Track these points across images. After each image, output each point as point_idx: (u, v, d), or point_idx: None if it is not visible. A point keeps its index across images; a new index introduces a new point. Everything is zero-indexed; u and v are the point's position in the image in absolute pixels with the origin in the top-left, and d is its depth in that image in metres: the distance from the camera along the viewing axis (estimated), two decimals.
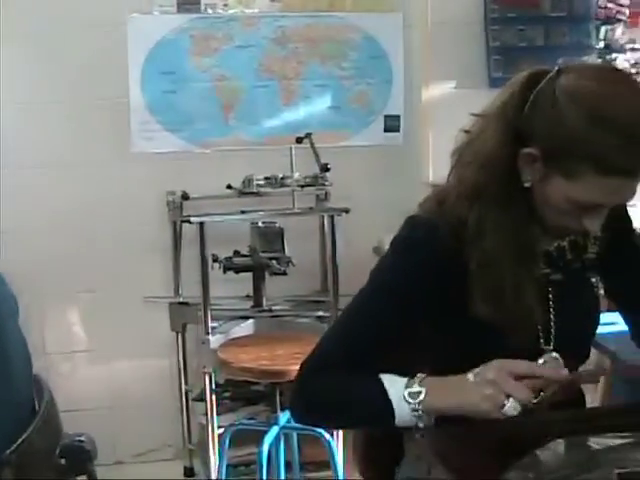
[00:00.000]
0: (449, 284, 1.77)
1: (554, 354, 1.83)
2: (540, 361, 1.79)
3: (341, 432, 3.60)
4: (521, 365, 1.68)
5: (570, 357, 1.82)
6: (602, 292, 1.96)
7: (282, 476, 3.64)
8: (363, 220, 4.13)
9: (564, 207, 1.71)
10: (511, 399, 1.63)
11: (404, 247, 1.82)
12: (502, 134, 1.73)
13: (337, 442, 3.60)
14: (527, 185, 1.74)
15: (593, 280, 1.95)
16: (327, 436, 3.45)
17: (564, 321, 1.89)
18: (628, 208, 1.97)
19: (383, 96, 4.45)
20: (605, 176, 1.63)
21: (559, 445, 1.72)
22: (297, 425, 3.40)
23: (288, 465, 3.72)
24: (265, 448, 3.38)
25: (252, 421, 3.87)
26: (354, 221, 3.96)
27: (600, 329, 2.01)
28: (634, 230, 2.03)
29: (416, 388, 1.69)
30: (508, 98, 1.75)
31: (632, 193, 1.71)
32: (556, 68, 1.71)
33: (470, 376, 1.69)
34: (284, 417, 3.51)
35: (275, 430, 3.48)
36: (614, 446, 1.72)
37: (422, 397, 1.68)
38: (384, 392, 1.70)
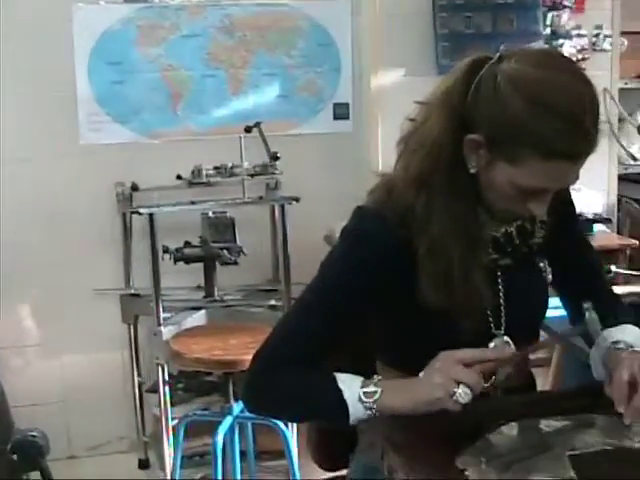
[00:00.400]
0: (399, 274, 1.78)
1: (505, 338, 1.86)
2: (491, 345, 1.81)
3: None
4: (467, 352, 1.71)
5: (520, 340, 1.84)
6: (550, 277, 1.97)
7: (237, 466, 3.64)
8: (314, 208, 4.13)
9: (509, 192, 1.73)
10: (461, 385, 1.65)
11: (353, 239, 1.83)
12: (446, 121, 1.74)
13: (292, 431, 3.60)
14: (473, 171, 1.75)
15: (541, 265, 1.96)
16: (282, 425, 3.46)
17: (514, 305, 1.90)
18: (571, 192, 1.99)
19: (332, 84, 4.45)
20: (548, 161, 1.65)
21: (511, 429, 1.74)
22: (251, 415, 3.40)
23: (243, 455, 3.72)
24: (220, 438, 3.37)
25: (206, 412, 3.87)
26: (305, 209, 3.95)
27: (549, 313, 2.04)
28: (576, 215, 2.06)
29: (372, 388, 1.71)
30: (452, 85, 1.76)
31: (575, 177, 1.73)
32: (498, 54, 1.72)
33: (421, 373, 1.72)
34: (238, 407, 3.50)
35: (229, 420, 3.48)
36: (565, 429, 1.74)
37: (377, 396, 1.70)
38: (339, 392, 1.72)
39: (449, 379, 1.66)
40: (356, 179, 4.03)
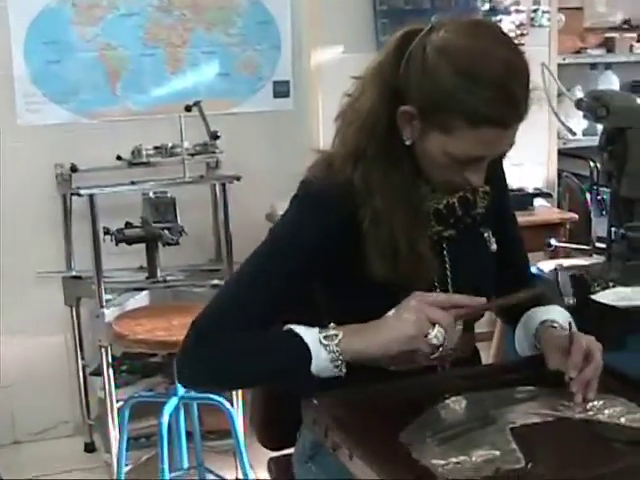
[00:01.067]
0: (346, 245, 1.78)
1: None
2: None
3: (241, 400, 3.61)
4: (440, 296, 1.73)
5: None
6: (494, 247, 1.98)
7: (183, 446, 3.64)
8: (255, 187, 4.12)
9: (444, 162, 1.74)
10: (436, 326, 1.64)
11: (303, 205, 1.82)
12: (380, 94, 1.75)
13: (237, 410, 3.60)
14: (408, 143, 1.76)
15: (486, 235, 1.98)
16: (227, 404, 3.45)
17: (460, 276, 1.91)
18: (504, 166, 2.01)
19: (271, 62, 4.43)
20: (478, 128, 1.67)
21: (456, 402, 1.75)
22: (196, 395, 3.42)
23: (189, 435, 3.71)
24: (165, 419, 3.36)
25: (151, 393, 3.86)
26: (246, 188, 3.94)
27: None
28: (507, 186, 2.08)
29: (331, 332, 1.69)
30: (384, 59, 1.77)
31: (509, 144, 1.76)
32: (429, 25, 1.73)
33: (390, 313, 1.70)
34: (183, 388, 3.49)
35: (174, 401, 3.46)
36: (507, 402, 1.76)
37: (338, 339, 1.68)
38: (298, 336, 1.69)
39: (424, 318, 1.65)
40: (297, 157, 3.96)
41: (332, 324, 1.71)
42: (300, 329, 1.70)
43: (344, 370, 1.69)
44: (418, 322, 1.65)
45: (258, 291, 1.77)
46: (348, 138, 1.80)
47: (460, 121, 1.67)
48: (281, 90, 4.45)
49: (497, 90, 1.64)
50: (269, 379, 1.82)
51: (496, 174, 1.93)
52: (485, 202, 1.93)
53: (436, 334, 1.64)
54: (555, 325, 1.91)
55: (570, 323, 1.87)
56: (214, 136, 3.94)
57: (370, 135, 1.76)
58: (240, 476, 3.61)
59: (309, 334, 1.69)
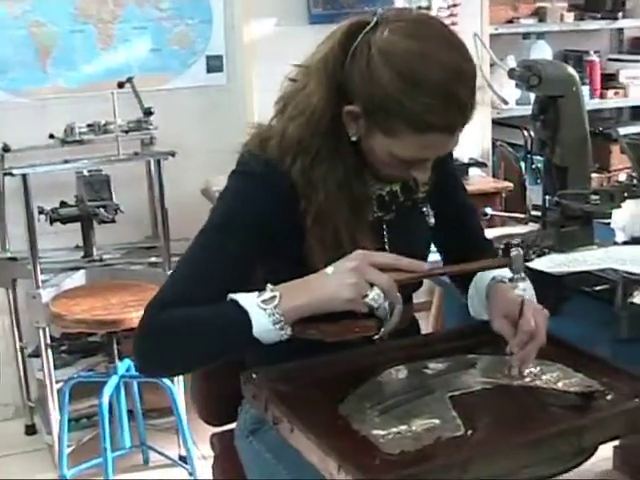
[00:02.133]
0: (289, 223, 1.77)
1: None
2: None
3: (181, 377, 3.60)
4: (384, 256, 1.70)
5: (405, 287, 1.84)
6: (432, 220, 1.99)
7: (125, 425, 3.63)
8: (190, 162, 4.10)
9: (389, 161, 1.74)
10: (375, 288, 1.63)
11: (244, 177, 1.81)
12: (325, 89, 1.74)
13: (178, 387, 3.60)
14: (354, 139, 1.76)
15: (424, 209, 1.98)
16: (168, 382, 3.45)
17: (398, 252, 1.90)
18: None
19: (204, 36, 4.39)
20: (422, 134, 1.67)
21: (395, 373, 1.77)
22: (136, 373, 3.40)
23: (131, 414, 3.70)
24: (105, 399, 3.35)
25: (91, 373, 3.83)
26: (181, 164, 3.92)
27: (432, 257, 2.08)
28: (451, 155, 2.08)
29: (269, 294, 1.66)
30: (329, 51, 1.75)
31: (454, 145, 1.76)
32: (375, 19, 1.71)
33: (329, 269, 1.68)
34: (123, 366, 3.49)
35: (115, 380, 3.46)
36: (447, 370, 1.77)
37: (277, 301, 1.65)
38: (235, 303, 1.66)
39: (363, 280, 1.63)
40: (232, 131, 3.95)
41: (269, 285, 1.68)
42: (237, 295, 1.67)
43: (289, 332, 1.66)
44: (356, 285, 1.63)
45: (211, 265, 1.75)
46: (289, 130, 1.78)
47: (404, 126, 1.66)
48: (214, 65, 4.42)
49: (442, 96, 1.64)
50: (217, 352, 1.75)
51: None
52: (427, 187, 1.94)
53: (374, 296, 1.63)
54: (505, 280, 1.89)
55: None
56: (147, 112, 3.93)
57: (314, 131, 1.75)
58: (183, 453, 3.62)
59: (247, 299, 1.66)
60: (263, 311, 1.65)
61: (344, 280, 1.64)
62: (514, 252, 1.77)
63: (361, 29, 1.71)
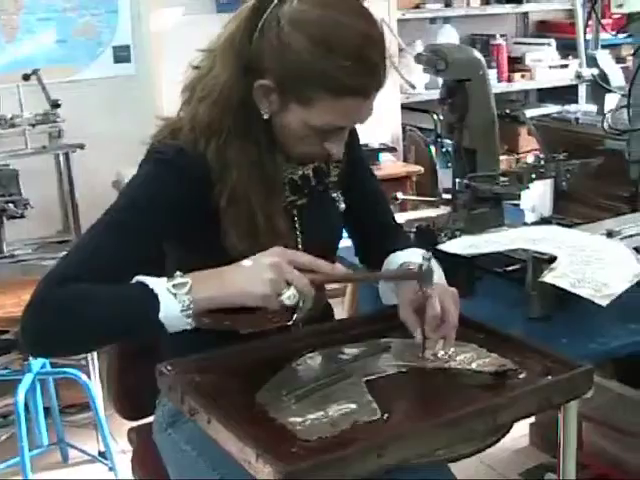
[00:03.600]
0: (202, 210, 1.75)
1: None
2: None
3: (98, 371, 3.56)
4: (304, 256, 1.68)
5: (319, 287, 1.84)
6: (343, 206, 2.00)
7: (42, 423, 3.58)
8: (99, 155, 4.06)
9: (305, 134, 1.74)
10: (291, 287, 1.62)
11: (154, 167, 1.77)
12: (233, 68, 1.72)
13: (95, 382, 3.56)
14: (266, 117, 1.75)
15: (335, 195, 1.99)
16: (84, 377, 3.42)
17: (309, 238, 1.92)
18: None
19: (110, 26, 4.36)
20: (338, 98, 1.68)
21: (310, 359, 1.77)
22: (52, 370, 3.37)
23: (47, 411, 3.65)
24: (21, 397, 3.30)
25: (5, 371, 3.77)
26: (90, 156, 3.89)
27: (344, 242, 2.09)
28: (358, 140, 2.09)
29: (179, 280, 1.62)
30: (235, 30, 1.74)
31: (368, 113, 1.76)
32: None
33: (246, 262, 1.65)
34: (37, 363, 3.43)
35: (30, 377, 3.40)
36: (362, 355, 1.78)
37: (188, 288, 1.61)
38: (143, 285, 1.62)
39: (281, 278, 1.62)
40: (141, 122, 3.89)
41: (179, 272, 1.64)
42: (146, 278, 1.63)
43: (194, 323, 1.63)
44: (273, 281, 1.61)
45: (112, 243, 1.69)
46: (200, 114, 1.76)
47: (320, 93, 1.67)
48: (122, 55, 4.39)
49: (355, 60, 1.65)
50: (117, 333, 1.69)
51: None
52: (338, 170, 1.96)
53: (289, 295, 1.62)
54: (412, 267, 1.89)
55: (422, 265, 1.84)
56: (55, 105, 3.89)
57: (224, 111, 1.73)
58: (102, 448, 3.58)
59: (156, 282, 1.62)
60: (173, 296, 1.61)
61: (261, 275, 1.62)
62: (425, 266, 1.78)
63: (267, 5, 1.71)
